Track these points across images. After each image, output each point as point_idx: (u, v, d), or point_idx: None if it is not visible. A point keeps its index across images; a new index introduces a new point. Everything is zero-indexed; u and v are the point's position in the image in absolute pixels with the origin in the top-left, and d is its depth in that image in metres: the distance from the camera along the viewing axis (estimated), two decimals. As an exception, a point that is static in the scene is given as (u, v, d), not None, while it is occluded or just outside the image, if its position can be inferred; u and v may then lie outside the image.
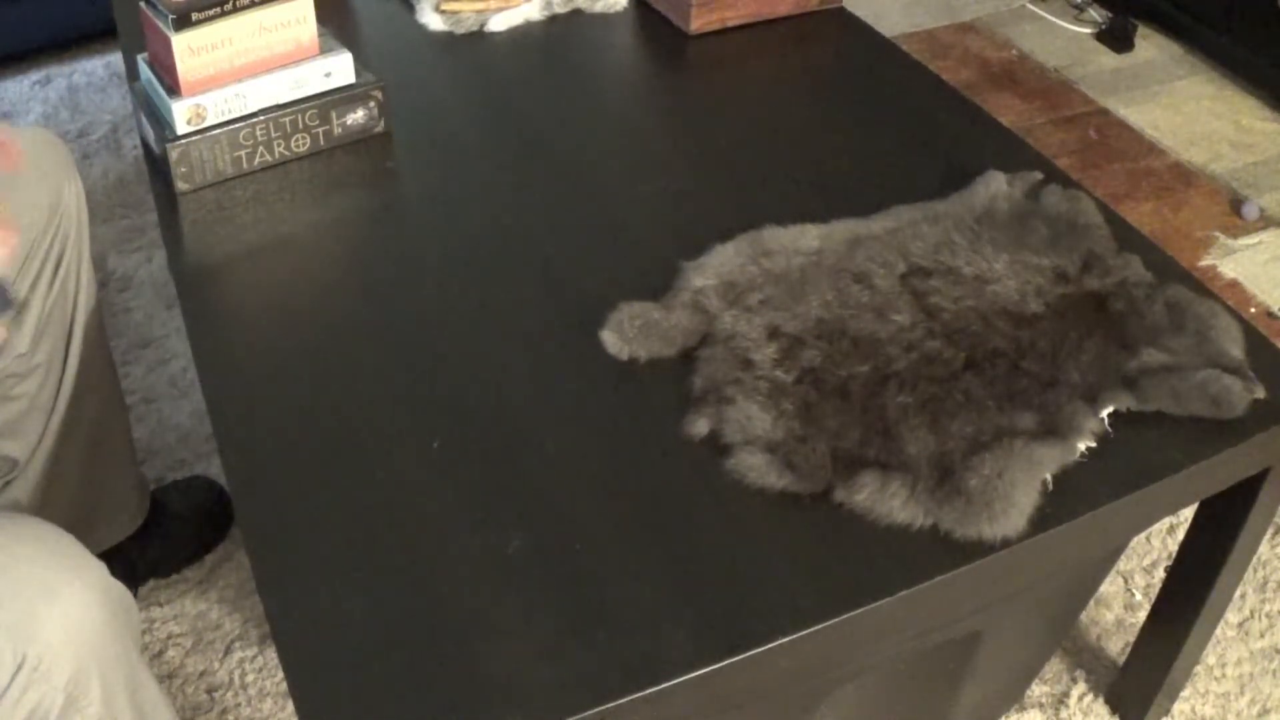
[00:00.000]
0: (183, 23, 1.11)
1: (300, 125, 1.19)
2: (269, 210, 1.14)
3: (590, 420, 0.93)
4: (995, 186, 1.12)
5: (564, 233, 1.12)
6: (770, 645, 0.78)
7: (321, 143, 1.21)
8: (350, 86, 1.21)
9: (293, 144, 1.19)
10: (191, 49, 1.12)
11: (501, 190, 1.18)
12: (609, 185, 1.19)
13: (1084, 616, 1.36)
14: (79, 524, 1.15)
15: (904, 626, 0.86)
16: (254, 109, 1.17)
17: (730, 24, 1.45)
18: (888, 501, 0.85)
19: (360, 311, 1.02)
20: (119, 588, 0.82)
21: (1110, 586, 1.39)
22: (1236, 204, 2.01)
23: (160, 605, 1.35)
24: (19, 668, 0.74)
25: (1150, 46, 2.45)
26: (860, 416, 0.90)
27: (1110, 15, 2.50)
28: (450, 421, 0.93)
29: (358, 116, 1.22)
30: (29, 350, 1.09)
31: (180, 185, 1.16)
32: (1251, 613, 1.37)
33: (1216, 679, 1.30)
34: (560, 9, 1.48)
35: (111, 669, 0.80)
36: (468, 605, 0.79)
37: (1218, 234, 1.94)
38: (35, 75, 2.28)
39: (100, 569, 0.81)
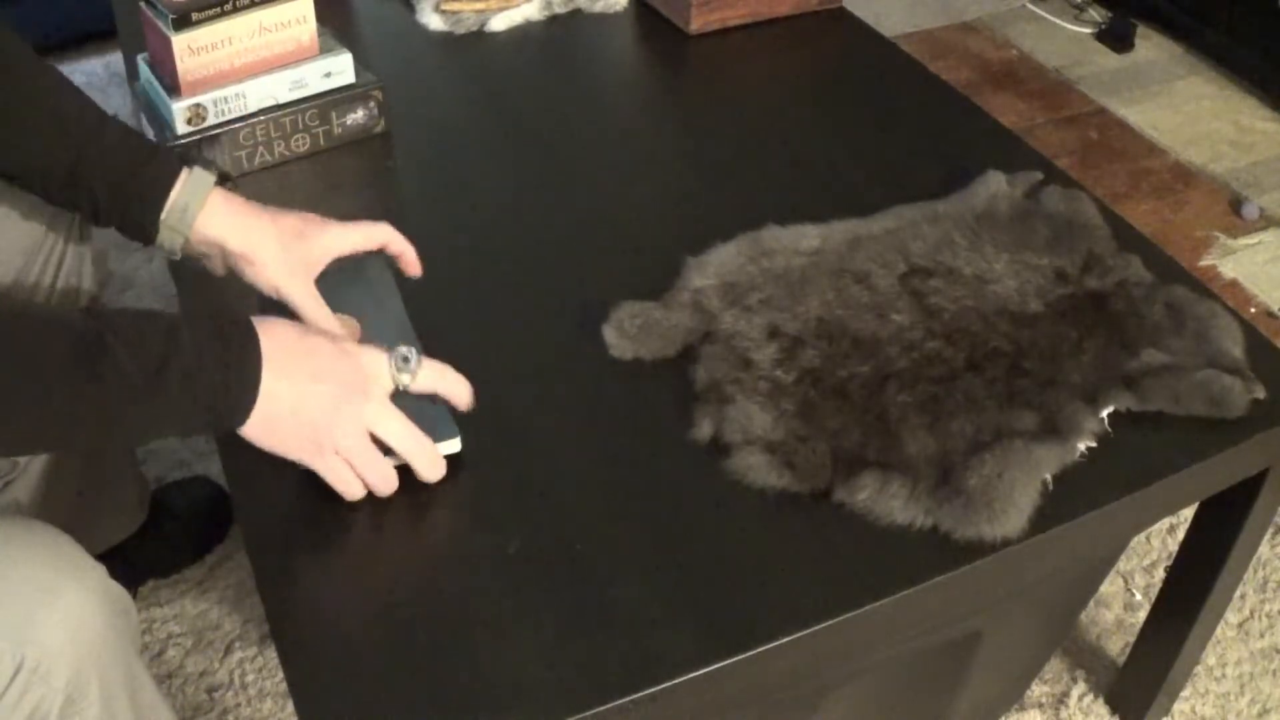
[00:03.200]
0: (183, 23, 1.11)
1: (300, 125, 1.19)
2: (269, 210, 1.13)
3: (590, 420, 0.93)
4: (995, 186, 1.12)
5: (564, 232, 1.12)
6: (770, 645, 0.78)
7: (321, 143, 1.21)
8: (350, 86, 1.21)
9: (293, 144, 1.19)
10: (191, 49, 1.12)
11: (501, 190, 1.18)
12: (609, 185, 1.19)
13: (1084, 616, 1.36)
14: (79, 524, 1.15)
15: (904, 626, 0.86)
16: (254, 109, 1.17)
17: (730, 24, 1.45)
18: (888, 501, 0.85)
19: (360, 311, 1.02)
20: (118, 589, 0.82)
21: (1110, 586, 1.39)
22: (1236, 204, 2.01)
23: (160, 605, 1.35)
24: (18, 669, 0.74)
25: (1150, 46, 2.46)
26: (860, 416, 0.90)
27: (1110, 15, 2.51)
28: (450, 421, 0.93)
29: (358, 116, 1.22)
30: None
31: (180, 185, 1.16)
32: (1251, 613, 1.37)
33: (1216, 679, 1.30)
34: (560, 9, 1.48)
35: (110, 670, 0.80)
36: (468, 605, 0.79)
37: (1218, 234, 1.94)
38: (35, 75, 2.27)
39: (99, 571, 0.81)
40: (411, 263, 0.99)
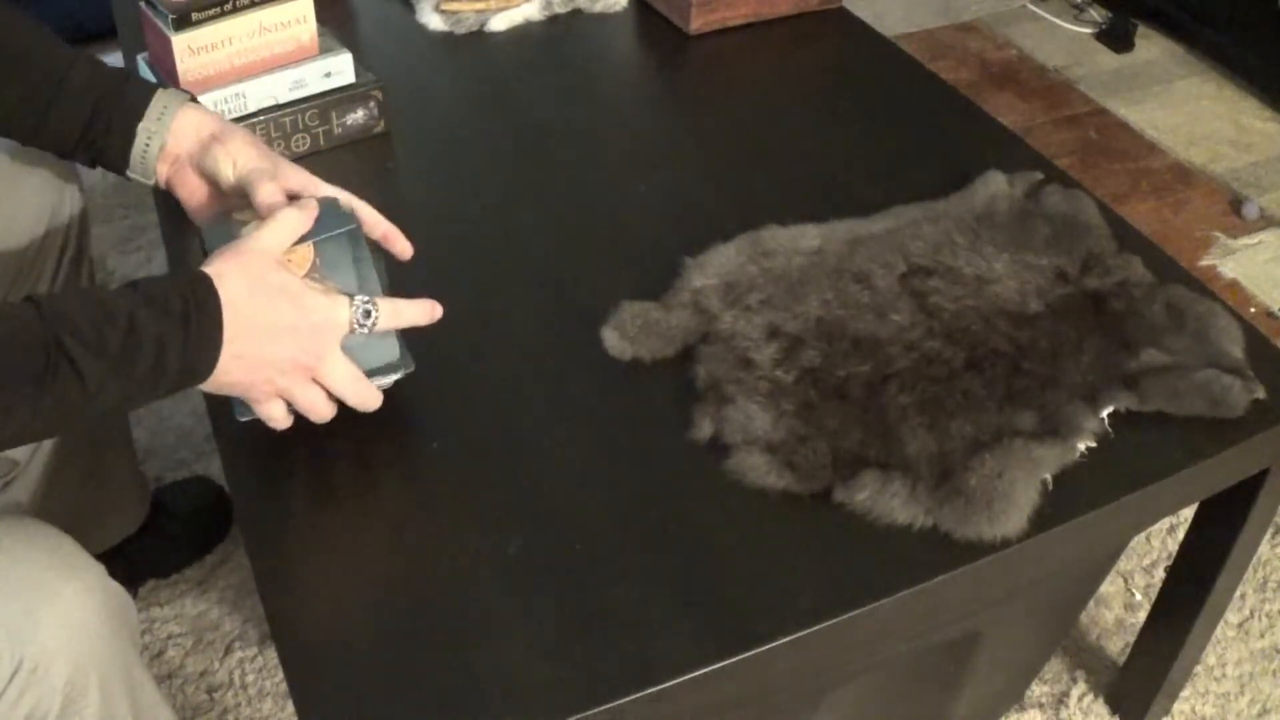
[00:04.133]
0: (182, 23, 1.11)
1: (300, 125, 1.19)
2: (269, 210, 1.13)
3: (590, 420, 0.93)
4: (995, 186, 1.12)
5: (564, 232, 1.12)
6: (770, 645, 0.78)
7: (321, 143, 1.21)
8: (350, 86, 1.21)
9: (293, 144, 1.19)
10: (191, 49, 1.12)
11: (501, 190, 1.18)
12: (609, 185, 1.19)
13: (1084, 616, 1.36)
14: (79, 524, 1.15)
15: (904, 626, 0.86)
16: (254, 109, 1.17)
17: (730, 24, 1.45)
18: (888, 501, 0.85)
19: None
20: (117, 589, 0.82)
21: (1110, 586, 1.39)
22: (1236, 204, 2.01)
23: (160, 605, 1.35)
24: (16, 670, 0.74)
25: (1150, 46, 2.45)
26: (860, 416, 0.90)
27: (1110, 15, 2.51)
28: (450, 421, 0.93)
29: (358, 116, 1.22)
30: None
31: (180, 185, 1.16)
32: (1251, 613, 1.37)
33: (1216, 679, 1.30)
34: (560, 9, 1.48)
35: (110, 670, 0.80)
36: (468, 605, 0.79)
37: (1218, 234, 1.94)
38: (35, 75, 2.28)
39: (98, 570, 0.81)
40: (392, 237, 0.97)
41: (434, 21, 1.45)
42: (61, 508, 1.15)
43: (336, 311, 0.83)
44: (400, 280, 1.00)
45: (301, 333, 0.82)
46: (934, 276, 1.01)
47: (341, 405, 0.87)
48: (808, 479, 0.87)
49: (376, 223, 0.95)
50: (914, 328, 0.97)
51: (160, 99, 0.95)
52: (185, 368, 0.77)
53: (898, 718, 1.10)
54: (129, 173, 0.96)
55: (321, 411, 0.86)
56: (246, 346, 0.79)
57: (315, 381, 0.84)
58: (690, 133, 1.29)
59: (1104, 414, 0.92)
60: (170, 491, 1.44)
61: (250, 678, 1.29)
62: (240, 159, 0.92)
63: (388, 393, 0.89)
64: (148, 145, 0.94)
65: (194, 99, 0.98)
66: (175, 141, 0.95)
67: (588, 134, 1.27)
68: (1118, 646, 1.33)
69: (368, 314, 0.84)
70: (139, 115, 0.94)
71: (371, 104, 1.22)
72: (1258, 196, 2.01)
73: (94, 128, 0.94)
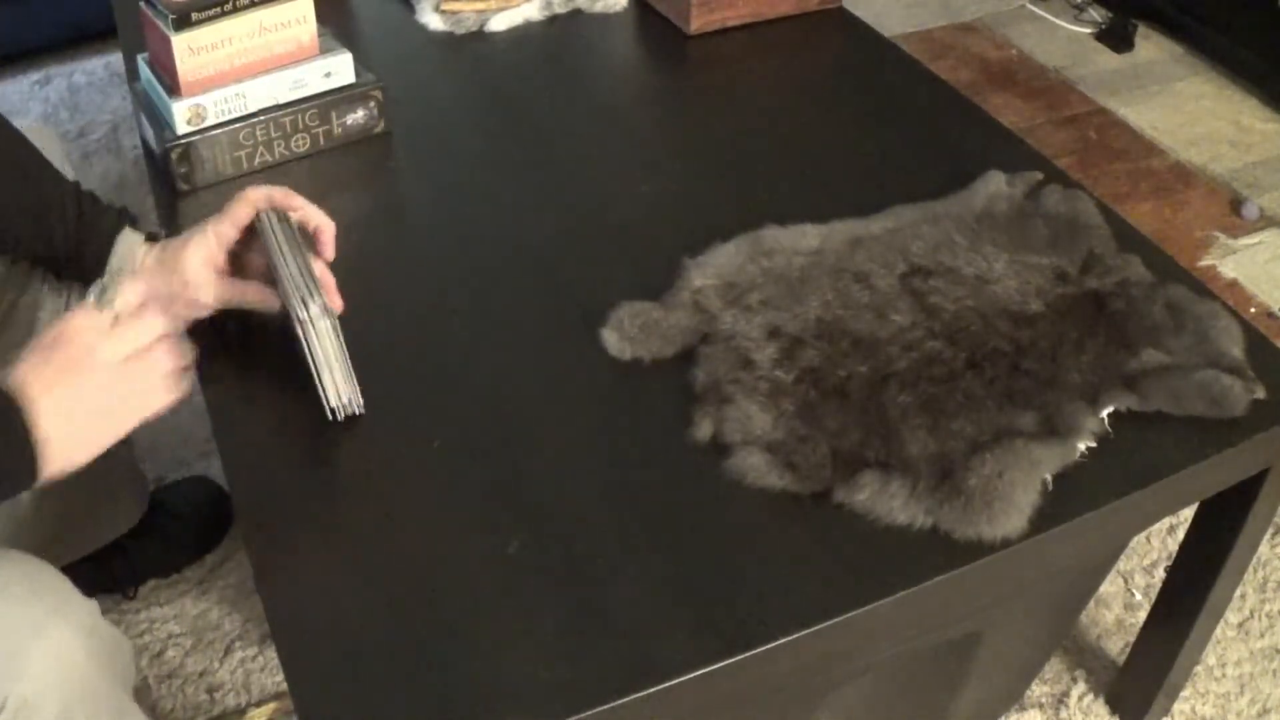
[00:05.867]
0: (183, 23, 1.11)
1: (300, 125, 1.19)
2: (269, 210, 1.13)
3: (590, 420, 0.93)
4: (995, 186, 1.12)
5: (564, 233, 1.12)
6: (770, 645, 0.78)
7: (321, 143, 1.21)
8: (350, 86, 1.21)
9: (293, 144, 1.19)
10: (191, 49, 1.12)
11: (501, 190, 1.18)
12: (609, 185, 1.19)
13: (1084, 616, 1.36)
14: (76, 519, 1.15)
15: (904, 626, 0.86)
16: (254, 109, 1.17)
17: (730, 24, 1.45)
18: (888, 501, 0.85)
19: (359, 312, 1.02)
20: (108, 628, 0.82)
21: (1110, 586, 1.39)
22: (1236, 204, 2.01)
23: (160, 605, 1.35)
24: (3, 707, 0.74)
25: (1150, 46, 2.45)
26: (860, 416, 0.90)
27: (1110, 15, 2.51)
28: (450, 421, 0.93)
29: (358, 116, 1.22)
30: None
31: (180, 186, 1.16)
32: (1251, 613, 1.37)
33: (1216, 679, 1.30)
34: (560, 9, 1.48)
35: (99, 709, 0.79)
36: (468, 605, 0.79)
37: (1218, 234, 1.94)
38: (35, 75, 2.28)
39: (89, 608, 0.80)
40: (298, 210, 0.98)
41: (434, 21, 1.45)
42: (58, 503, 1.15)
43: (76, 314, 0.81)
44: (399, 280, 1.00)
45: (59, 357, 0.79)
46: (934, 276, 1.01)
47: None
48: (808, 479, 0.87)
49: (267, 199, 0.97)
50: (914, 328, 0.97)
51: (115, 257, 0.97)
52: (9, 471, 0.76)
53: (898, 718, 1.10)
54: None
55: (170, 356, 0.85)
56: (64, 416, 0.78)
57: (134, 362, 0.83)
58: (690, 133, 1.29)
59: (1104, 414, 0.92)
60: (170, 491, 1.44)
61: (250, 678, 1.29)
62: (200, 286, 0.94)
63: (387, 393, 0.89)
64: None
65: (151, 238, 0.99)
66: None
67: (587, 134, 1.27)
68: (1118, 646, 1.33)
69: (104, 290, 0.82)
70: (101, 271, 0.97)
71: (371, 104, 1.22)
72: (1258, 196, 2.01)
73: (72, 270, 1.00)
